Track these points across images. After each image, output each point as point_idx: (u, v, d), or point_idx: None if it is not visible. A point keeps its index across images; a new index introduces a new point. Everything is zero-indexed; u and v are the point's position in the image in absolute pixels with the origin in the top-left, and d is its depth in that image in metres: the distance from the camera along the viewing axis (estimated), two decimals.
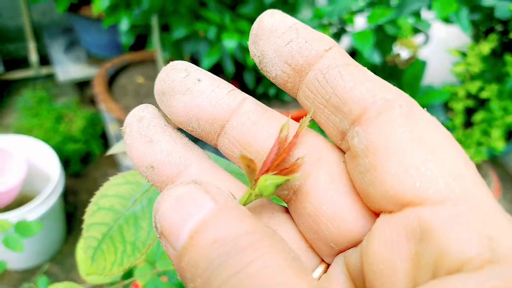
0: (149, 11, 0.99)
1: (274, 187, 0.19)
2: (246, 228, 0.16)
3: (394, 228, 0.17)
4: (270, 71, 0.21)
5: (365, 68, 0.20)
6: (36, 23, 1.97)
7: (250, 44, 0.21)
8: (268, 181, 0.19)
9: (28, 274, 1.36)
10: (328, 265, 0.21)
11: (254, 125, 0.21)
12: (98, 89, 1.28)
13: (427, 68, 1.39)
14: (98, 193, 0.27)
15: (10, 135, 1.37)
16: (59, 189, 1.28)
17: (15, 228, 0.80)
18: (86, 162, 1.67)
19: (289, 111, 1.47)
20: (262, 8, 1.35)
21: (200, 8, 1.09)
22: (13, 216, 1.13)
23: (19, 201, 1.50)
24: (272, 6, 1.34)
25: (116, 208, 0.27)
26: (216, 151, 0.26)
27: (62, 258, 1.44)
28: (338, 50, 0.20)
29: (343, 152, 0.20)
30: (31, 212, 1.19)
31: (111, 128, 1.61)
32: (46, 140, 1.42)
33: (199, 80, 0.21)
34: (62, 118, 1.57)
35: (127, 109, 1.28)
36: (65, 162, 1.55)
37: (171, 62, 0.21)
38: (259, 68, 0.21)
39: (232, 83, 1.09)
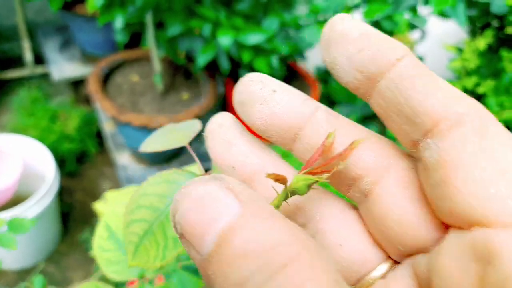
0: (143, 8, 0.98)
1: (305, 187, 0.20)
2: (281, 237, 0.15)
3: (462, 247, 0.17)
4: (341, 77, 0.21)
5: (439, 78, 0.19)
6: (30, 22, 1.96)
7: (322, 49, 0.21)
8: (301, 181, 0.20)
9: (24, 274, 1.35)
10: (394, 262, 0.21)
11: (325, 133, 0.22)
12: (93, 88, 1.27)
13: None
14: (136, 192, 0.28)
15: (5, 134, 1.36)
16: (55, 189, 1.27)
17: (8, 225, 0.80)
18: (82, 161, 1.66)
19: None
20: (257, 5, 1.34)
21: (195, 5, 1.08)
22: (8, 215, 1.12)
23: (14, 201, 1.49)
24: (268, 2, 1.33)
25: (155, 205, 0.28)
26: None
27: (58, 258, 1.43)
28: (411, 59, 0.20)
29: (415, 158, 0.21)
30: (26, 212, 1.18)
31: (107, 127, 1.60)
32: (41, 139, 1.41)
33: (274, 91, 0.22)
34: (57, 117, 1.56)
35: (122, 108, 1.27)
36: (61, 162, 1.54)
37: (247, 74, 0.23)
38: (331, 73, 0.22)
39: (227, 81, 1.08)
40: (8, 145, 1.32)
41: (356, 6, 1.10)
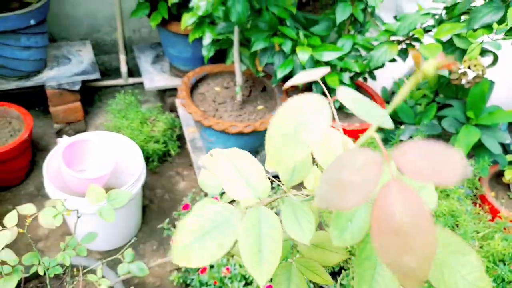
0: (237, 23, 1.13)
1: (434, 69, 0.27)
2: None
3: None
4: None
5: None
6: (127, 39, 2.25)
7: None
8: (430, 64, 0.27)
9: (107, 255, 1.53)
10: None
11: None
12: (182, 95, 1.45)
13: (493, 89, 1.41)
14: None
15: (104, 132, 1.58)
16: (141, 181, 1.45)
17: (107, 198, 0.96)
18: (162, 161, 1.85)
19: (352, 122, 1.54)
20: (331, 28, 1.46)
21: (279, 25, 1.22)
22: (80, 204, 1.29)
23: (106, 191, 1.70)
24: (341, 25, 1.45)
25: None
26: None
27: (136, 244, 1.60)
28: None
29: None
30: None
31: (188, 132, 1.78)
32: (132, 138, 1.62)
33: None
34: (146, 121, 1.78)
35: (205, 114, 1.44)
36: (146, 159, 1.74)
37: None
38: None
39: (302, 91, 1.22)
40: (106, 140, 1.53)
41: (429, 30, 1.17)
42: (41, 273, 1.04)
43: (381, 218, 0.25)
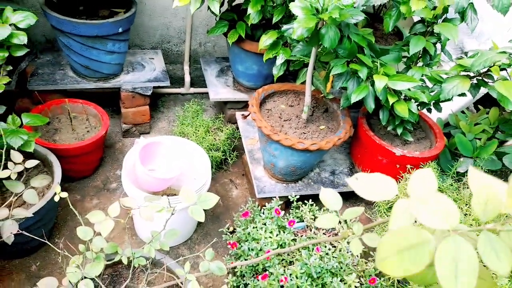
0: (326, 49, 1.21)
1: None
2: None
3: None
4: None
5: None
6: (192, 51, 2.39)
7: None
8: None
9: (168, 251, 1.62)
10: None
11: None
12: (253, 109, 1.54)
13: None
14: None
15: (175, 136, 1.69)
16: (207, 186, 1.54)
17: (198, 199, 1.04)
18: (219, 168, 1.94)
19: (410, 151, 1.59)
20: (400, 58, 1.53)
21: (358, 53, 1.30)
22: (173, 202, 1.39)
23: (166, 192, 1.81)
24: (412, 57, 1.51)
25: None
26: None
27: (192, 245, 1.68)
28: None
29: None
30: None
31: (246, 143, 1.87)
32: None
33: None
34: (209, 129, 1.88)
35: (272, 128, 1.52)
36: None
37: None
38: None
39: (359, 119, 1.31)
40: (177, 144, 1.63)
41: (504, 68, 1.22)
42: (124, 262, 1.13)
43: None
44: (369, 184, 0.49)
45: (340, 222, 0.93)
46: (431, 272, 0.43)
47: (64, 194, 0.96)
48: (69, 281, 1.02)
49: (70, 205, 1.02)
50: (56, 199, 0.99)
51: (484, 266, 0.42)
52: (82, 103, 1.79)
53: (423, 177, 0.46)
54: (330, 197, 0.61)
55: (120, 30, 1.72)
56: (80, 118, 1.81)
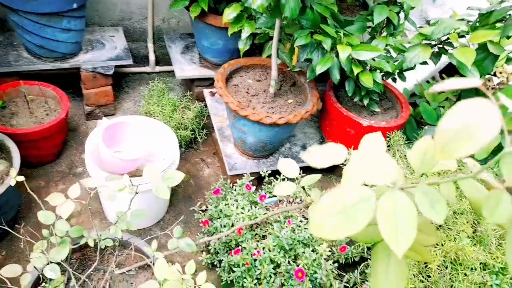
0: (285, 19, 1.18)
1: None
2: None
3: None
4: None
5: None
6: (155, 28, 2.30)
7: None
8: None
9: (137, 234, 1.59)
10: None
11: None
12: (219, 85, 1.51)
13: None
14: None
15: (140, 116, 1.64)
16: (176, 165, 1.51)
17: (163, 177, 1.02)
18: (189, 147, 1.92)
19: (377, 121, 1.61)
20: (365, 28, 1.53)
21: (321, 23, 1.29)
22: (136, 182, 1.35)
23: (135, 174, 1.77)
24: (376, 27, 1.51)
25: None
26: None
27: (163, 225, 1.67)
28: None
29: None
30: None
31: (215, 121, 1.85)
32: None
33: None
34: (177, 108, 1.84)
35: (241, 104, 1.50)
36: None
37: None
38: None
39: (326, 91, 1.31)
40: (142, 124, 1.59)
41: (462, 36, 1.24)
42: (91, 244, 1.11)
43: None
44: (321, 154, 0.50)
45: (305, 191, 0.94)
46: (374, 229, 0.44)
47: (21, 178, 0.92)
48: (34, 266, 0.99)
49: (29, 189, 0.98)
50: (12, 183, 0.94)
51: (425, 219, 0.43)
52: (39, 85, 1.70)
53: (373, 140, 0.47)
54: (288, 166, 0.61)
55: (75, 5, 1.63)
56: (38, 101, 1.72)
